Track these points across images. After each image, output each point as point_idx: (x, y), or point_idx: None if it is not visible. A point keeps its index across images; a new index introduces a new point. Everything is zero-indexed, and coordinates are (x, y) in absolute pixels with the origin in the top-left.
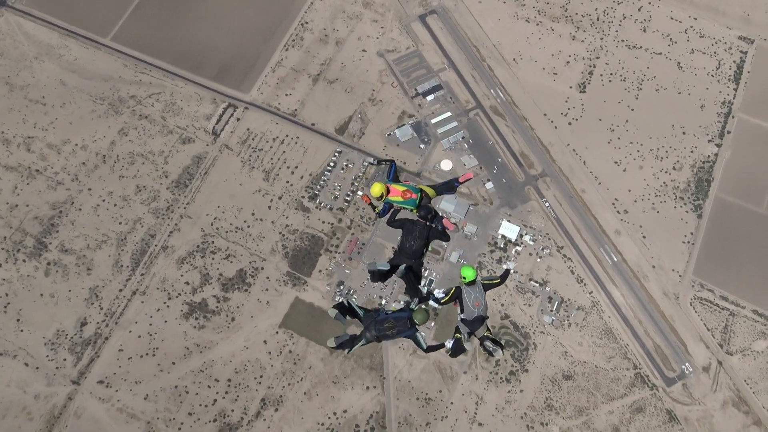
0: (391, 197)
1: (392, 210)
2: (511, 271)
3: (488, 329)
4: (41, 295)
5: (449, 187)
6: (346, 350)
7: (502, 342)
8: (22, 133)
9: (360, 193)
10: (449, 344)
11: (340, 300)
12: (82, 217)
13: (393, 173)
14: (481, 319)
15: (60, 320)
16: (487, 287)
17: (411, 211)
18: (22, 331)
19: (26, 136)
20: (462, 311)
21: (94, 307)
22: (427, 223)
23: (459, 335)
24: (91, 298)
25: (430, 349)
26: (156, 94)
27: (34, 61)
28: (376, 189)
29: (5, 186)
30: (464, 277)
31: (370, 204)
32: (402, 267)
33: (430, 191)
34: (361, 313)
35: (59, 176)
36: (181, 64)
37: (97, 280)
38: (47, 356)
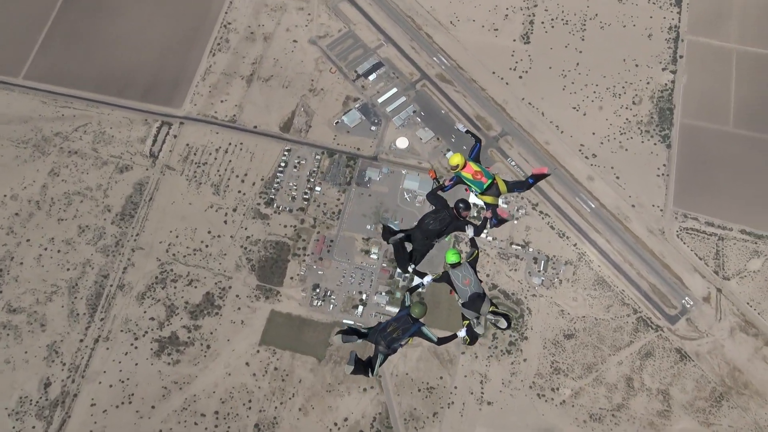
0: (464, 172)
1: (439, 187)
2: (472, 235)
3: (492, 304)
4: None
5: (522, 184)
6: (371, 374)
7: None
8: None
9: (316, 189)
10: (462, 333)
11: (344, 326)
12: (25, 271)
13: (476, 153)
14: (480, 297)
15: (21, 386)
16: (472, 264)
17: (475, 194)
18: None
19: None
20: (459, 296)
21: (56, 365)
22: (458, 215)
23: (468, 321)
24: (50, 356)
25: (442, 341)
26: (82, 126)
27: None
28: (456, 158)
29: None
30: (448, 261)
31: (435, 179)
32: (401, 235)
33: (501, 185)
34: (365, 331)
35: None
36: (104, 90)
37: (53, 335)
38: (14, 428)
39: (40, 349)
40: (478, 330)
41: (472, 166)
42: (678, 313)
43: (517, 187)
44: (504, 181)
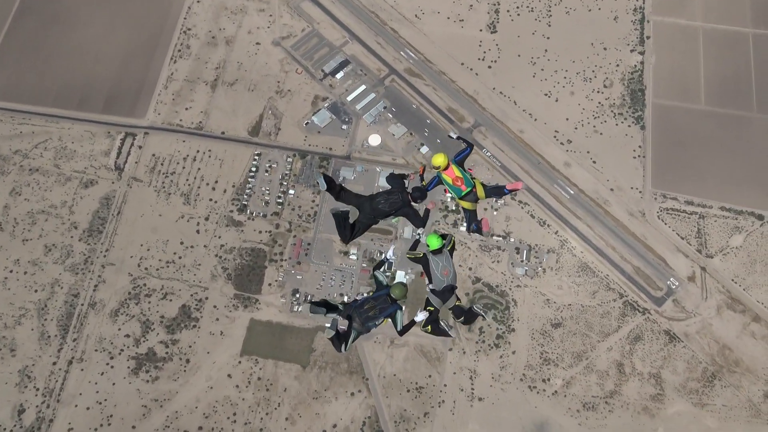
0: (445, 174)
1: (414, 176)
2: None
3: (458, 299)
4: None
5: (498, 191)
6: (342, 349)
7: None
8: None
9: (294, 190)
10: (419, 318)
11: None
12: None
13: (462, 157)
14: (451, 289)
15: None
16: (451, 253)
17: (452, 197)
18: None
19: None
20: (430, 281)
21: (29, 390)
22: (411, 201)
23: (432, 308)
24: (22, 381)
25: (404, 330)
26: (42, 142)
27: None
28: (439, 159)
29: None
30: (429, 246)
31: (421, 175)
32: (347, 210)
33: (480, 191)
34: (340, 307)
35: None
36: (63, 103)
37: (25, 360)
38: None
39: (11, 375)
40: (452, 333)
41: (454, 171)
42: (664, 294)
43: (494, 193)
44: (483, 185)
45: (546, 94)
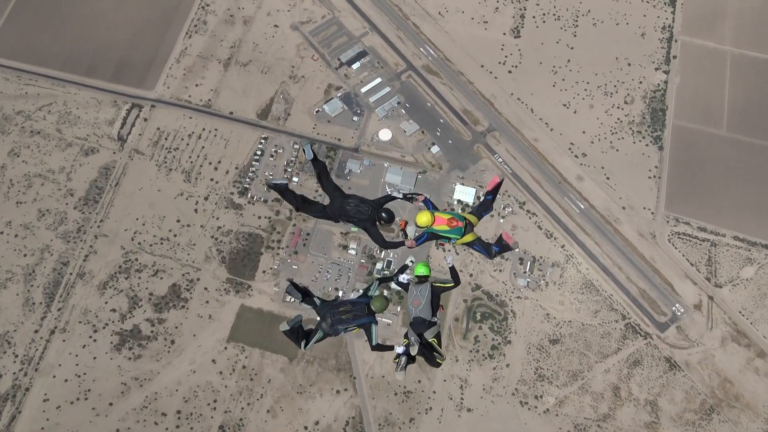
0: (436, 226)
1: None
2: (454, 266)
3: (438, 339)
4: None
5: (485, 206)
6: (302, 346)
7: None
8: None
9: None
10: (399, 350)
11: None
12: None
13: (432, 206)
14: (424, 324)
15: None
16: (438, 290)
17: (453, 242)
18: None
19: None
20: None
21: (8, 356)
22: (375, 220)
23: (407, 340)
24: (2, 347)
25: (378, 347)
26: (47, 105)
27: None
28: (424, 217)
29: None
30: (414, 272)
31: (403, 230)
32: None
33: (473, 219)
34: (317, 302)
35: None
36: (72, 68)
37: (6, 325)
38: None
39: None
40: (398, 375)
41: (443, 216)
42: (668, 320)
43: (484, 211)
44: (471, 214)
45: (565, 105)
